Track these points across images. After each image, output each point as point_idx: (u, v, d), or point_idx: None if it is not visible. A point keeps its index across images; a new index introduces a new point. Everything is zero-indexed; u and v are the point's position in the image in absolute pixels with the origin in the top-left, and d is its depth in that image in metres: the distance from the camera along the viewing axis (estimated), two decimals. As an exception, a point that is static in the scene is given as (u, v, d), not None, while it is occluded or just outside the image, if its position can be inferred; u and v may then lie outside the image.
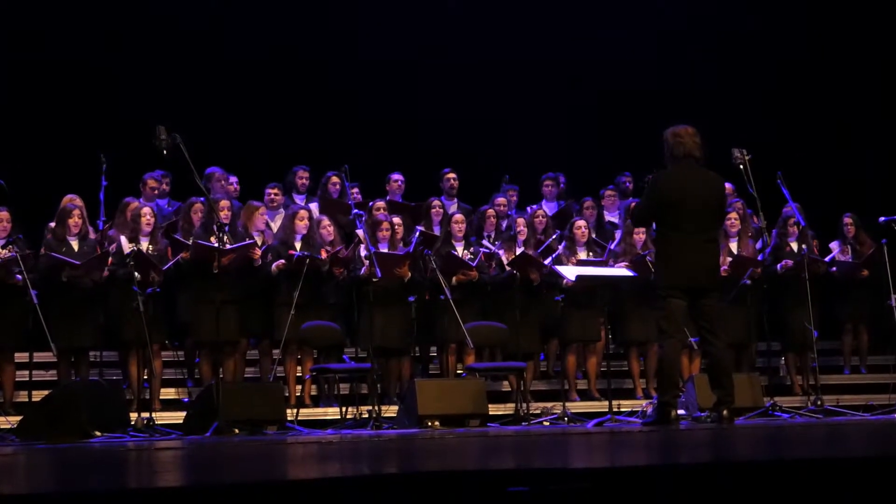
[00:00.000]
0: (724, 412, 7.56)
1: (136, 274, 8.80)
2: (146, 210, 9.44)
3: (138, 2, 12.68)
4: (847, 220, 10.80)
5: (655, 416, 7.69)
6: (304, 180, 11.06)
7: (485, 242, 10.28)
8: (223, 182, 10.51)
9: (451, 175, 11.39)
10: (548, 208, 11.27)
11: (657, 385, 7.94)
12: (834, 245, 10.83)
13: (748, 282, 9.95)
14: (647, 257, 9.64)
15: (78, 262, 8.98)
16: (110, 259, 9.14)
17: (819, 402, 9.38)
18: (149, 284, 8.98)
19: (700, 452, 4.99)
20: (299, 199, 10.88)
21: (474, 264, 9.85)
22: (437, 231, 10.51)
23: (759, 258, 10.14)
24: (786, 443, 5.65)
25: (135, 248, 9.07)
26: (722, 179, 7.93)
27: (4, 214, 8.98)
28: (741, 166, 8.94)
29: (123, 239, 9.27)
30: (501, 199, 11.07)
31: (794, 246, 10.23)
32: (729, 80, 13.45)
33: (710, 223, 7.73)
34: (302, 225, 9.70)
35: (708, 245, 7.68)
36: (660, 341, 7.78)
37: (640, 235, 10.11)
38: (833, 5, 13.47)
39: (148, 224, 9.35)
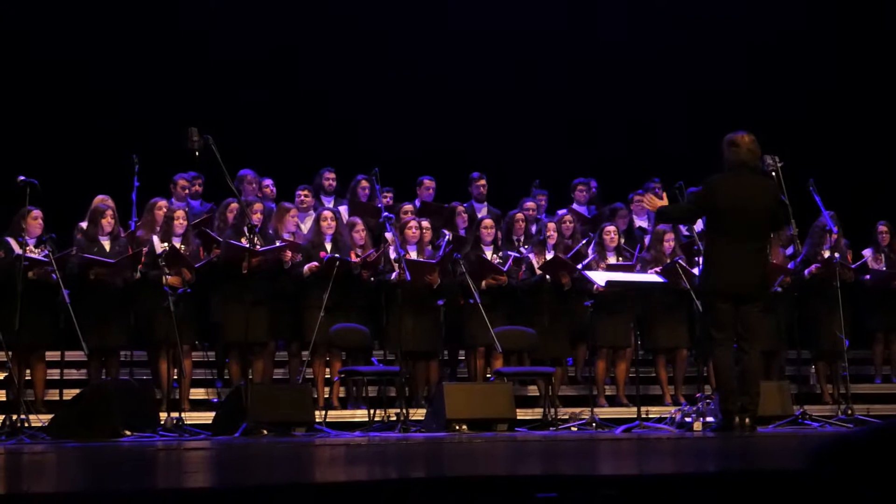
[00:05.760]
0: (746, 420, 7.51)
1: (167, 272, 8.86)
2: (179, 212, 9.48)
3: (167, 5, 12.73)
4: (882, 227, 10.71)
5: (720, 424, 7.65)
6: (330, 181, 11.07)
7: (521, 248, 10.25)
8: (255, 185, 10.56)
9: (482, 182, 11.40)
10: (581, 213, 11.27)
11: (718, 394, 7.84)
12: (867, 252, 10.74)
13: (779, 289, 9.89)
14: (679, 261, 9.60)
15: (110, 262, 9.03)
16: (143, 260, 9.17)
17: (849, 412, 9.31)
18: (181, 284, 9.05)
19: (729, 461, 4.97)
20: (327, 201, 10.90)
21: (505, 269, 9.84)
22: (461, 236, 10.52)
23: (790, 266, 10.10)
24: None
25: (167, 247, 9.12)
26: (776, 188, 7.94)
27: (38, 213, 9.04)
28: (773, 173, 8.88)
29: (156, 239, 9.32)
30: (531, 204, 11.06)
31: (827, 254, 10.14)
32: (761, 83, 13.37)
33: (760, 232, 7.73)
34: (326, 225, 9.73)
35: (757, 254, 7.68)
36: (711, 349, 7.77)
37: (669, 243, 10.07)
38: (866, 5, 13.39)
39: (181, 226, 9.39)
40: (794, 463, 4.55)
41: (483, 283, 9.78)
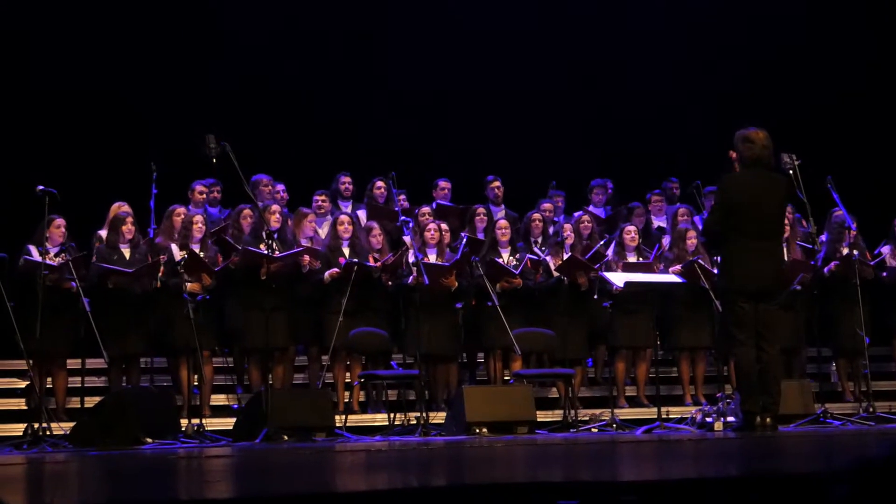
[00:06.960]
0: (767, 420, 7.47)
1: (187, 278, 8.90)
2: (198, 217, 9.51)
3: (183, 14, 12.75)
4: (899, 222, 10.66)
5: (742, 423, 7.61)
6: (346, 185, 11.06)
7: (535, 250, 10.23)
8: (270, 189, 10.57)
9: (496, 184, 11.35)
10: (597, 214, 11.25)
11: (739, 394, 7.79)
12: (885, 249, 10.67)
13: (798, 287, 9.85)
14: (698, 260, 9.55)
15: (129, 271, 9.07)
16: (162, 269, 9.19)
17: (871, 409, 9.28)
18: (200, 291, 9.07)
19: (750, 463, 4.95)
20: (344, 206, 10.90)
21: (518, 271, 9.82)
22: (480, 238, 10.50)
23: (811, 263, 10.05)
24: (837, 452, 5.59)
25: (186, 254, 9.14)
26: (788, 182, 7.90)
27: (61, 222, 9.10)
28: (791, 171, 8.85)
29: (174, 247, 9.34)
30: (548, 205, 11.03)
31: (846, 251, 10.09)
32: (779, 83, 13.32)
33: (776, 229, 7.72)
34: (343, 230, 9.74)
35: (772, 251, 7.66)
36: (731, 349, 7.74)
37: (692, 241, 10.02)
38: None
39: (199, 231, 9.42)
40: (817, 466, 4.53)
41: (497, 285, 9.77)
